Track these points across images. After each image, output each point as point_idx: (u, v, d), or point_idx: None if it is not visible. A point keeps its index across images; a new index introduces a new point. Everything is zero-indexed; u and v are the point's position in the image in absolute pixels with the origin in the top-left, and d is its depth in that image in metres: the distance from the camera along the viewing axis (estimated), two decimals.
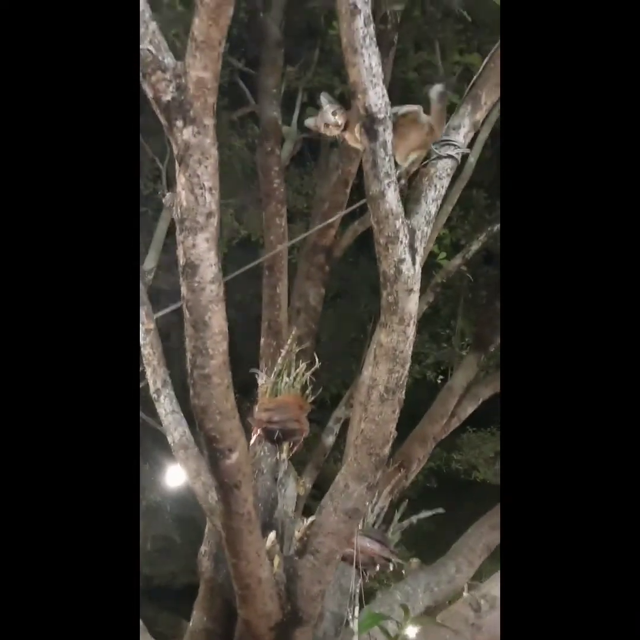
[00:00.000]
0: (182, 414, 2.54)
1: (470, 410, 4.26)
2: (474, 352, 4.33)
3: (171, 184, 4.72)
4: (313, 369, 2.78)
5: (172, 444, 2.51)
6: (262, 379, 2.81)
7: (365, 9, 1.92)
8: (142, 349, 2.56)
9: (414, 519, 3.43)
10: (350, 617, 2.45)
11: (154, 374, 2.55)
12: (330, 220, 3.26)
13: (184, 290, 1.74)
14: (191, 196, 1.66)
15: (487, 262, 5.03)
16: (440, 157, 2.20)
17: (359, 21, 1.90)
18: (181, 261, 1.72)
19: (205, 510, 2.47)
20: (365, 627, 2.23)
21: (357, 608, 2.44)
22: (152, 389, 2.55)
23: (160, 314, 2.75)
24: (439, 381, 5.61)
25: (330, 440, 3.34)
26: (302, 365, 2.80)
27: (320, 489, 3.12)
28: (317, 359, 2.81)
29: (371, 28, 1.94)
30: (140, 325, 2.56)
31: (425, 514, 3.50)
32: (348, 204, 3.53)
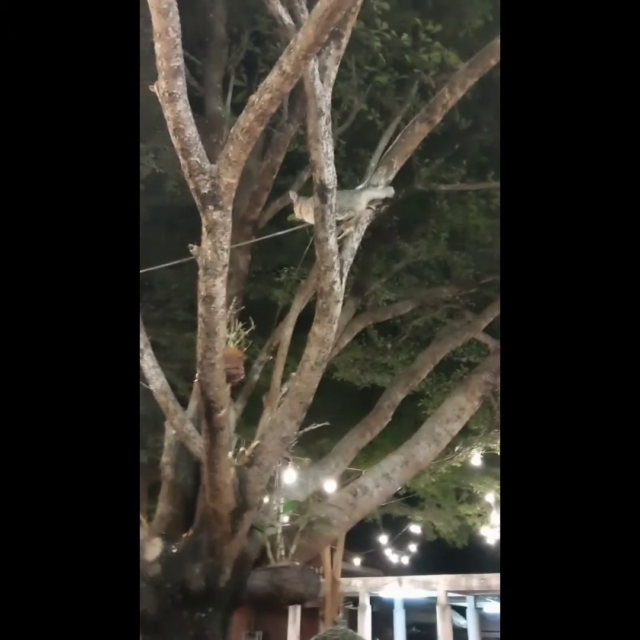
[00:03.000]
0: (160, 369, 3.42)
1: None
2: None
3: None
4: (249, 330, 3.75)
5: (154, 391, 3.42)
6: None
7: (327, 113, 2.78)
8: None
9: (306, 429, 4.70)
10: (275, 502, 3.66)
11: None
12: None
13: (202, 310, 2.63)
14: (214, 254, 2.52)
15: None
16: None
17: (323, 120, 2.77)
18: (202, 293, 2.59)
19: (182, 437, 3.46)
20: (287, 509, 3.46)
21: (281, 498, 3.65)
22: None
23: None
24: None
25: (255, 377, 4.38)
26: (239, 325, 3.76)
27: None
28: (252, 321, 3.77)
29: (330, 126, 2.81)
30: None
31: (314, 426, 4.80)
32: (273, 187, 4.39)
